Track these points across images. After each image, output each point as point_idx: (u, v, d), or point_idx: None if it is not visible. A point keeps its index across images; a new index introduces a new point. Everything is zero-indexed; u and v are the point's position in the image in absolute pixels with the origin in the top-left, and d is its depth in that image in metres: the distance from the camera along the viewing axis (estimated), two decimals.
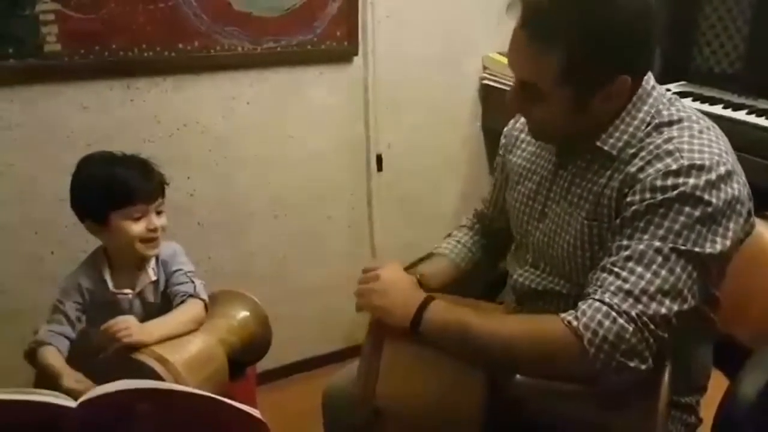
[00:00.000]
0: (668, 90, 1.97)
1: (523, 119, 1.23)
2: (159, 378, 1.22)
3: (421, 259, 1.35)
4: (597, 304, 0.97)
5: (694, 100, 1.95)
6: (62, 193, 1.41)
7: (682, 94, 2.01)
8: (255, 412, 0.73)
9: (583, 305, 0.99)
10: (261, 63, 1.93)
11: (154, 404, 0.73)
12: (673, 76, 2.12)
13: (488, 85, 2.26)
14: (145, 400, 0.73)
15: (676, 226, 0.98)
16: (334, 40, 2.00)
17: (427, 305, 1.08)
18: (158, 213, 1.42)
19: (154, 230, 1.40)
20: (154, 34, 1.76)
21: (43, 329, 1.38)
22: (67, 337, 1.39)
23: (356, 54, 2.06)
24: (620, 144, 1.06)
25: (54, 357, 1.33)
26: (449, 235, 1.42)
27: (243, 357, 1.53)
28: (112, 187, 1.36)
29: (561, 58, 0.98)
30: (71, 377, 1.28)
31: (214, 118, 1.93)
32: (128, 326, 1.28)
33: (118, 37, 1.72)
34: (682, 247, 0.97)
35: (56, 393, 0.70)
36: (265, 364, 1.65)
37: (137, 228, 1.38)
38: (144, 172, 1.40)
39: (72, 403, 0.69)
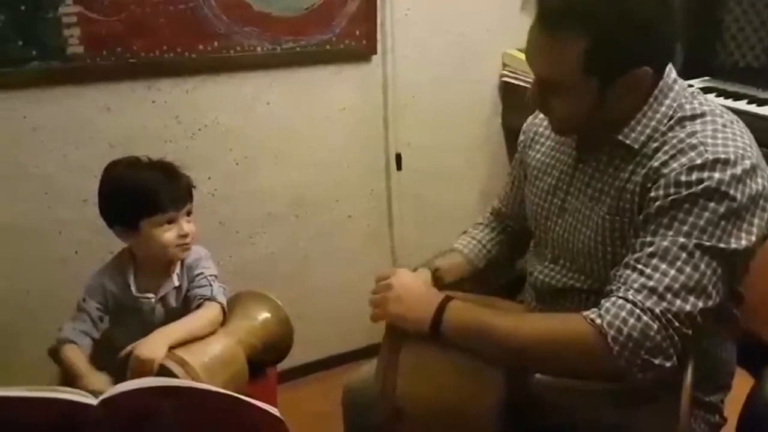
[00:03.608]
0: (691, 86, 1.96)
1: (542, 114, 1.22)
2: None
3: (437, 256, 1.34)
4: (621, 301, 0.96)
5: (717, 96, 1.92)
6: (85, 193, 1.43)
7: (706, 90, 1.97)
8: (274, 411, 0.72)
9: (606, 303, 0.98)
10: (280, 63, 1.94)
11: (174, 402, 0.73)
12: (697, 71, 2.09)
13: (508, 82, 2.25)
14: (166, 398, 0.73)
15: (701, 222, 0.96)
16: (352, 39, 2.00)
17: (446, 306, 1.08)
18: (188, 217, 1.43)
19: (185, 236, 1.40)
20: (174, 36, 1.77)
21: (67, 327, 1.40)
22: (89, 336, 1.40)
23: (375, 53, 2.06)
24: (642, 138, 1.05)
25: (76, 355, 1.35)
26: (465, 233, 1.41)
27: (263, 358, 1.53)
28: (143, 196, 1.36)
29: (584, 46, 0.97)
30: (92, 377, 1.30)
31: (234, 119, 1.94)
32: (136, 357, 1.27)
33: (139, 39, 1.73)
34: (707, 243, 0.96)
35: (77, 390, 0.70)
36: (285, 362, 1.65)
37: (169, 235, 1.38)
38: (173, 178, 1.40)
39: (93, 401, 0.70)
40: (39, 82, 1.67)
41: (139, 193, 1.36)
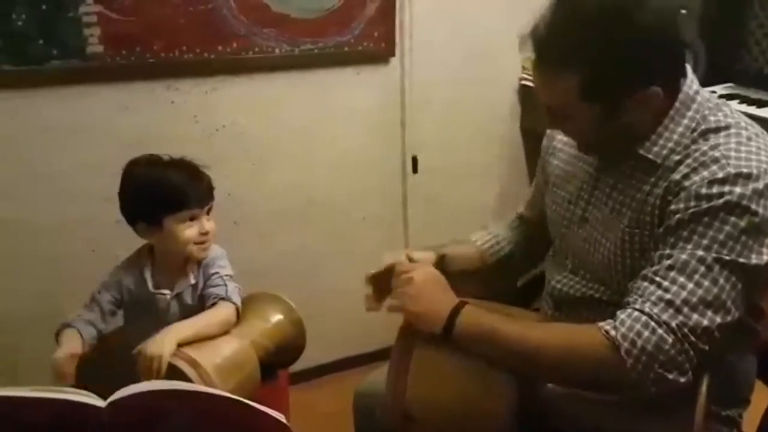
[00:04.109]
0: (713, 92, 1.93)
1: None
2: (189, 381, 1.22)
3: (449, 243, 1.34)
4: (636, 313, 0.95)
5: (741, 103, 1.89)
6: (103, 191, 1.44)
7: (729, 96, 1.95)
8: (281, 417, 0.72)
9: (622, 314, 0.97)
10: (298, 64, 1.94)
11: (182, 405, 0.73)
12: (720, 77, 2.06)
13: (527, 85, 2.23)
14: (173, 402, 0.73)
15: (721, 236, 0.95)
16: (371, 41, 1.99)
17: (459, 310, 1.07)
18: (208, 214, 1.44)
19: (206, 233, 1.42)
20: (193, 36, 1.78)
21: (75, 314, 1.41)
22: (95, 326, 1.41)
23: (393, 55, 2.05)
24: (664, 152, 1.04)
25: (69, 337, 1.36)
26: (484, 228, 1.41)
27: (276, 360, 1.53)
28: (167, 192, 1.38)
29: (577, 78, 0.98)
30: (62, 352, 1.31)
31: (251, 119, 1.95)
32: (146, 357, 1.26)
33: (158, 39, 1.74)
34: (727, 258, 0.94)
35: (85, 392, 0.70)
36: (297, 364, 1.65)
37: (190, 232, 1.40)
38: (195, 176, 1.41)
39: (101, 403, 0.70)
40: (58, 81, 1.69)
41: (164, 190, 1.38)
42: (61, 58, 1.65)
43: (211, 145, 1.91)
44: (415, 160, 2.19)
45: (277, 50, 1.89)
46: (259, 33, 1.85)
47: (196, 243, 1.42)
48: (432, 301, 1.11)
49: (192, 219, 1.40)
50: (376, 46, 2.01)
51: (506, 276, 1.40)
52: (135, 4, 1.68)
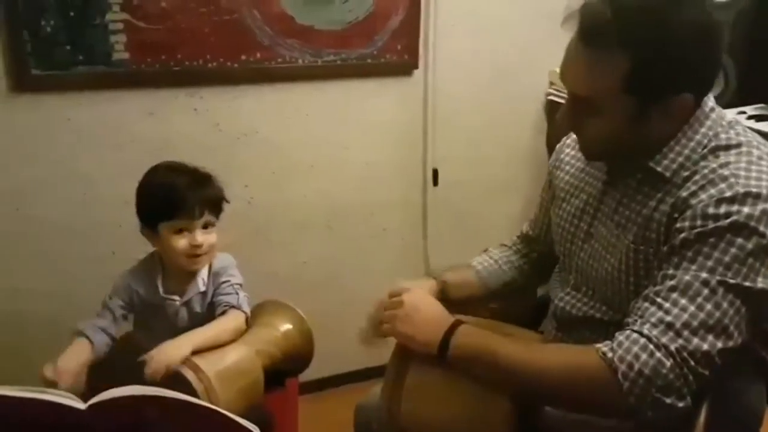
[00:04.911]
0: (743, 112, 1.88)
1: (574, 136, 1.19)
2: (190, 386, 1.22)
3: (449, 269, 1.32)
4: (635, 335, 0.93)
5: None
6: (124, 195, 1.46)
7: (760, 117, 1.89)
8: (255, 429, 0.72)
9: (620, 336, 0.94)
10: (321, 75, 1.95)
11: (163, 413, 0.73)
12: (751, 97, 2.00)
13: (554, 101, 2.20)
14: (154, 408, 0.73)
15: (726, 258, 0.92)
16: (394, 53, 2.00)
17: (454, 330, 1.05)
18: (206, 229, 1.42)
19: (197, 246, 1.39)
20: (218, 45, 1.81)
21: (88, 321, 1.42)
22: (108, 333, 1.42)
23: (416, 67, 2.05)
24: (674, 166, 1.01)
25: (76, 349, 1.35)
26: (485, 251, 1.38)
27: (284, 368, 1.52)
28: (161, 198, 1.39)
29: (626, 63, 0.95)
30: (54, 364, 1.29)
31: (273, 128, 1.97)
32: (155, 360, 1.26)
33: (183, 48, 1.77)
34: (731, 281, 0.91)
35: (67, 393, 0.71)
36: (311, 374, 1.65)
37: (180, 242, 1.39)
38: (196, 186, 1.40)
39: (81, 405, 0.70)
40: (85, 86, 1.73)
41: (158, 196, 1.39)
42: (88, 64, 1.69)
43: (232, 152, 1.93)
44: (435, 173, 2.18)
45: (300, 61, 1.90)
46: (283, 43, 1.87)
47: (187, 255, 1.40)
48: (424, 322, 1.09)
49: (183, 230, 1.39)
50: (400, 58, 2.01)
51: (510, 299, 1.38)
52: (161, 12, 1.72)
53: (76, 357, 1.33)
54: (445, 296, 1.22)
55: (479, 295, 1.31)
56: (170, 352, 1.28)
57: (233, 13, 1.79)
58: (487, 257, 1.36)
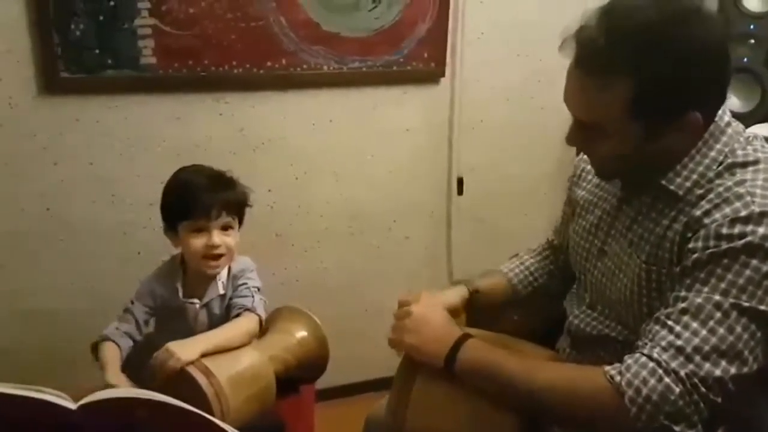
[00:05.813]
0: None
1: None
2: (200, 390, 1.23)
3: (480, 276, 1.31)
4: (644, 359, 0.90)
5: None
6: (150, 197, 1.49)
7: None
8: None
9: (629, 359, 0.91)
10: (345, 82, 1.96)
11: (153, 414, 0.73)
12: None
13: None
14: (145, 410, 0.73)
15: (740, 280, 0.88)
16: (420, 61, 1.99)
17: (462, 344, 1.04)
18: (224, 230, 1.43)
19: (213, 247, 1.41)
20: (244, 52, 1.82)
21: (111, 326, 1.44)
22: (131, 337, 1.44)
23: (443, 75, 2.04)
24: (688, 184, 0.98)
25: (109, 352, 1.38)
26: (515, 256, 1.36)
27: (299, 375, 1.53)
28: (179, 199, 1.41)
29: (628, 88, 0.92)
30: (111, 373, 1.32)
31: (296, 134, 1.97)
32: (166, 349, 1.27)
33: (210, 53, 1.80)
34: (745, 304, 0.88)
35: (59, 393, 0.72)
36: (327, 381, 1.64)
37: (197, 242, 1.40)
38: (216, 188, 1.41)
39: (72, 405, 0.71)
40: (113, 89, 1.76)
41: (177, 196, 1.42)
42: (116, 68, 1.73)
43: (256, 157, 1.95)
44: (460, 182, 2.16)
45: (325, 67, 1.91)
46: (308, 50, 1.88)
47: (204, 256, 1.41)
48: (432, 333, 1.08)
49: (201, 230, 1.40)
50: (426, 66, 2.00)
51: (543, 303, 1.35)
52: (188, 18, 1.74)
53: (118, 364, 1.37)
54: (475, 304, 1.20)
55: (510, 301, 1.29)
56: (178, 351, 1.28)
57: (259, 20, 1.81)
58: (518, 263, 1.35)
